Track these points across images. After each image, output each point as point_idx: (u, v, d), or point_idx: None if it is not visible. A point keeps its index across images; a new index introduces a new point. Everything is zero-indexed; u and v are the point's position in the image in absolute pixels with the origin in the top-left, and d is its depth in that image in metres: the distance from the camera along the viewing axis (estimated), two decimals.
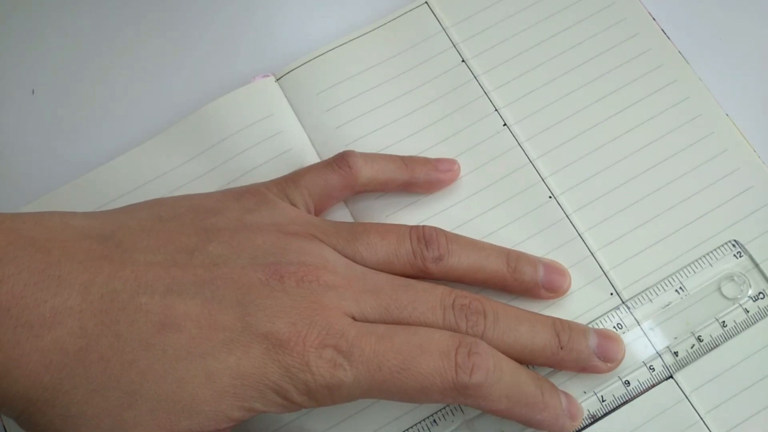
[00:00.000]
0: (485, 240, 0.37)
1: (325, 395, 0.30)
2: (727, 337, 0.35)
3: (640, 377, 0.35)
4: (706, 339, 0.35)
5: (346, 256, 0.33)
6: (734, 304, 0.36)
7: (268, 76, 0.41)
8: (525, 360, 0.33)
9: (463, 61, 0.41)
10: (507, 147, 0.39)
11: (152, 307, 0.29)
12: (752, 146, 0.38)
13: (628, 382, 0.35)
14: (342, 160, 0.36)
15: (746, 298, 0.36)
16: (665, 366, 0.35)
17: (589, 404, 0.34)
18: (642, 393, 0.35)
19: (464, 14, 0.41)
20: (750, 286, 0.36)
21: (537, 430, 0.34)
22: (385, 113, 0.40)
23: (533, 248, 0.37)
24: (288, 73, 0.41)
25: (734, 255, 0.36)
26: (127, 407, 0.28)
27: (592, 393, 0.35)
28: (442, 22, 0.41)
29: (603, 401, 0.34)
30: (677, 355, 0.35)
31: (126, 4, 0.44)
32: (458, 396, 0.31)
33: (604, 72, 0.40)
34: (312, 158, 0.39)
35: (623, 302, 0.36)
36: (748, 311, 0.35)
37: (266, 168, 0.39)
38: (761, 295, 0.36)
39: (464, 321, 0.32)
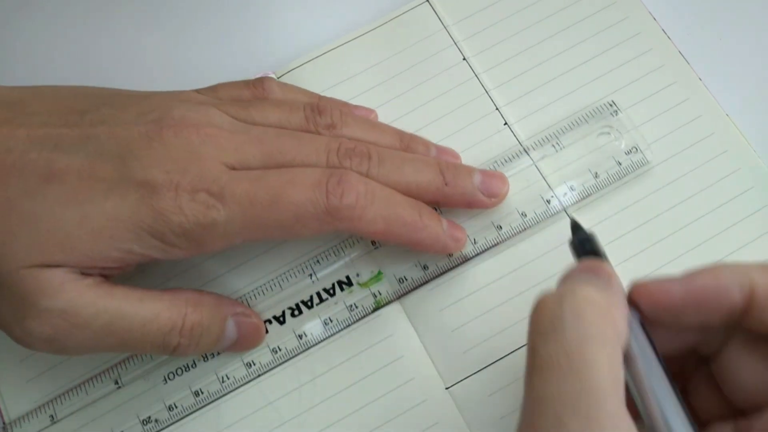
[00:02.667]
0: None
1: (202, 235, 0.32)
2: (599, 187, 0.37)
3: (512, 222, 0.37)
4: (578, 189, 0.37)
5: (237, 119, 0.34)
6: (607, 156, 0.38)
7: (269, 74, 0.41)
8: (412, 197, 0.35)
9: (464, 59, 0.41)
10: (508, 146, 0.39)
11: (39, 162, 0.31)
12: (752, 147, 0.38)
13: (501, 227, 0.37)
14: (258, 81, 0.37)
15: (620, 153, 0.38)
16: (537, 214, 0.37)
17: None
18: (511, 237, 0.37)
19: (466, 12, 0.41)
20: (623, 141, 0.38)
21: (423, 251, 0.36)
22: (386, 112, 0.40)
23: (537, 244, 0.38)
24: (289, 71, 0.41)
25: (611, 114, 0.39)
26: (1, 245, 0.30)
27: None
28: (443, 20, 0.41)
29: (475, 243, 0.37)
30: (549, 203, 0.37)
31: (126, 4, 0.44)
32: (333, 220, 0.33)
33: (605, 72, 0.40)
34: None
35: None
36: (620, 164, 0.37)
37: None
38: (634, 150, 0.38)
39: (348, 161, 0.34)
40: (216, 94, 0.36)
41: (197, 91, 0.37)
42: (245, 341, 0.36)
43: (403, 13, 0.42)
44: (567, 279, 0.28)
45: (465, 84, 0.40)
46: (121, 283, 0.33)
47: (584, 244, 0.30)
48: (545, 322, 0.26)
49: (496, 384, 0.35)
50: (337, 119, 0.36)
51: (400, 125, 0.39)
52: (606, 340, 0.25)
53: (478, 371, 0.36)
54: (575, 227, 0.32)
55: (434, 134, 0.39)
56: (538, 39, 0.41)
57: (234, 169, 0.32)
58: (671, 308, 0.27)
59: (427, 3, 0.42)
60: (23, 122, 0.33)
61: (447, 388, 0.36)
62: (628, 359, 0.26)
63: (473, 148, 0.39)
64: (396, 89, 0.40)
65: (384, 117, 0.40)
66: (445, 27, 0.41)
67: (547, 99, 0.40)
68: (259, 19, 0.43)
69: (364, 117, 0.38)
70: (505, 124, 0.39)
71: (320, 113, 0.36)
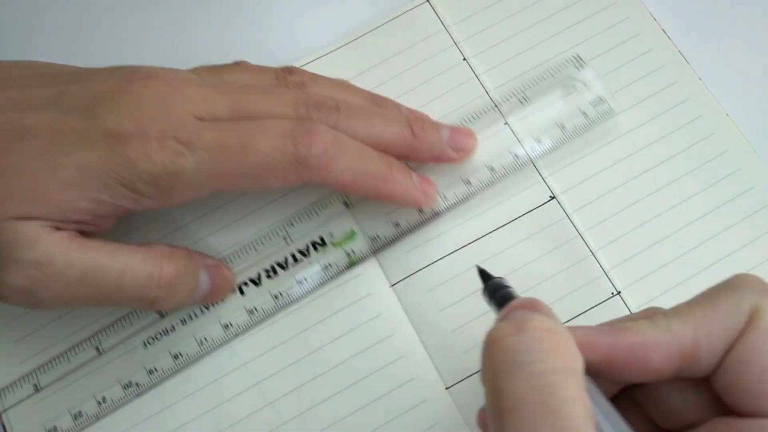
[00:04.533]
0: None
1: (170, 183, 0.32)
2: (566, 139, 0.38)
3: (481, 177, 0.38)
4: (546, 141, 0.38)
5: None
6: (574, 109, 0.39)
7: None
8: (381, 151, 0.35)
9: (464, 59, 0.41)
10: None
11: (13, 120, 0.32)
12: (753, 147, 0.38)
13: (470, 182, 0.38)
14: (233, 62, 0.38)
15: (586, 104, 0.39)
16: (505, 167, 0.38)
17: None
18: (480, 191, 0.38)
19: (466, 13, 0.41)
20: (589, 92, 0.39)
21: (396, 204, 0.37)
22: None
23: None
24: None
25: (576, 67, 0.39)
26: None
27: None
28: (443, 21, 0.42)
29: (445, 199, 0.38)
30: (517, 157, 0.38)
31: (123, 5, 0.44)
32: (302, 170, 0.33)
33: (606, 72, 0.40)
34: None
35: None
36: (587, 115, 0.38)
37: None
38: (599, 101, 0.39)
39: (316, 113, 0.34)
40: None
41: None
42: (217, 291, 0.37)
43: (404, 13, 0.42)
44: (511, 317, 0.26)
45: (465, 85, 0.40)
46: (95, 238, 0.33)
47: (501, 291, 0.30)
48: (507, 358, 0.24)
49: None
50: (308, 79, 0.37)
51: None
52: (571, 370, 0.24)
53: (479, 371, 0.36)
54: (483, 275, 0.31)
55: None
56: (538, 39, 0.41)
57: (203, 120, 0.33)
58: (595, 363, 0.26)
59: (427, 3, 0.42)
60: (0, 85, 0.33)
61: (447, 388, 0.36)
62: None
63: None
64: (396, 90, 0.40)
65: None
66: (445, 27, 0.41)
67: (548, 100, 0.40)
68: (258, 21, 0.43)
69: (337, 80, 0.38)
70: (505, 123, 0.39)
71: (290, 72, 0.37)
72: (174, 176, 0.32)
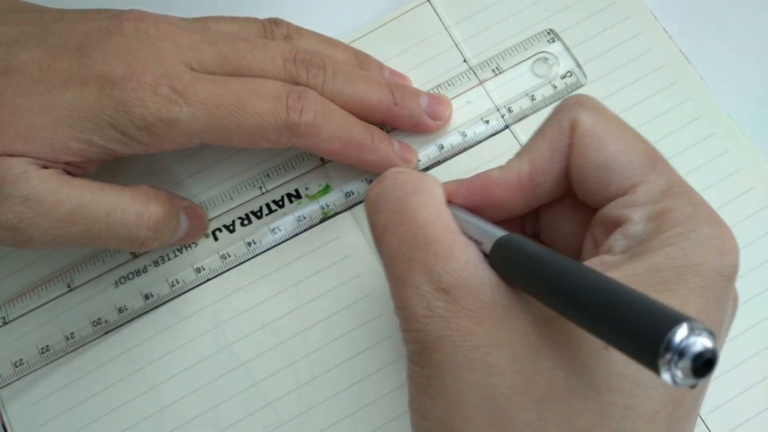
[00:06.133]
0: None
1: (164, 130, 0.32)
2: (535, 109, 0.39)
3: (453, 141, 0.39)
4: (516, 110, 0.39)
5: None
6: (544, 80, 0.39)
7: None
8: (363, 114, 0.36)
9: (464, 60, 0.41)
10: (508, 147, 0.39)
11: (0, 57, 0.32)
12: (754, 147, 0.37)
13: (442, 146, 0.39)
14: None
15: (555, 76, 0.40)
16: (476, 133, 0.39)
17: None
18: (452, 156, 0.39)
19: (466, 13, 0.42)
20: (559, 65, 0.39)
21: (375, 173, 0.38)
22: None
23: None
24: None
25: (548, 41, 0.40)
26: None
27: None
28: (443, 21, 0.42)
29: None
30: (488, 123, 0.39)
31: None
32: (292, 135, 0.34)
33: (605, 73, 0.40)
34: (314, 160, 0.40)
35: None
36: (555, 87, 0.39)
37: (267, 165, 0.40)
38: (569, 74, 0.39)
39: (305, 72, 0.35)
40: None
41: None
42: (194, 232, 0.37)
43: (404, 13, 0.42)
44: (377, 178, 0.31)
45: (465, 85, 0.40)
46: (81, 177, 0.33)
47: None
48: (373, 202, 0.29)
49: None
50: (294, 31, 0.37)
51: None
52: (423, 189, 0.28)
53: None
54: None
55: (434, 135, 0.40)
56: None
57: (193, 70, 0.33)
58: (462, 200, 0.30)
59: (427, 3, 0.42)
60: None
61: None
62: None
63: (474, 148, 0.39)
64: None
65: None
66: (445, 28, 0.41)
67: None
68: None
69: (321, 34, 0.39)
70: (506, 126, 0.39)
71: (276, 24, 0.37)
72: (167, 124, 0.32)
